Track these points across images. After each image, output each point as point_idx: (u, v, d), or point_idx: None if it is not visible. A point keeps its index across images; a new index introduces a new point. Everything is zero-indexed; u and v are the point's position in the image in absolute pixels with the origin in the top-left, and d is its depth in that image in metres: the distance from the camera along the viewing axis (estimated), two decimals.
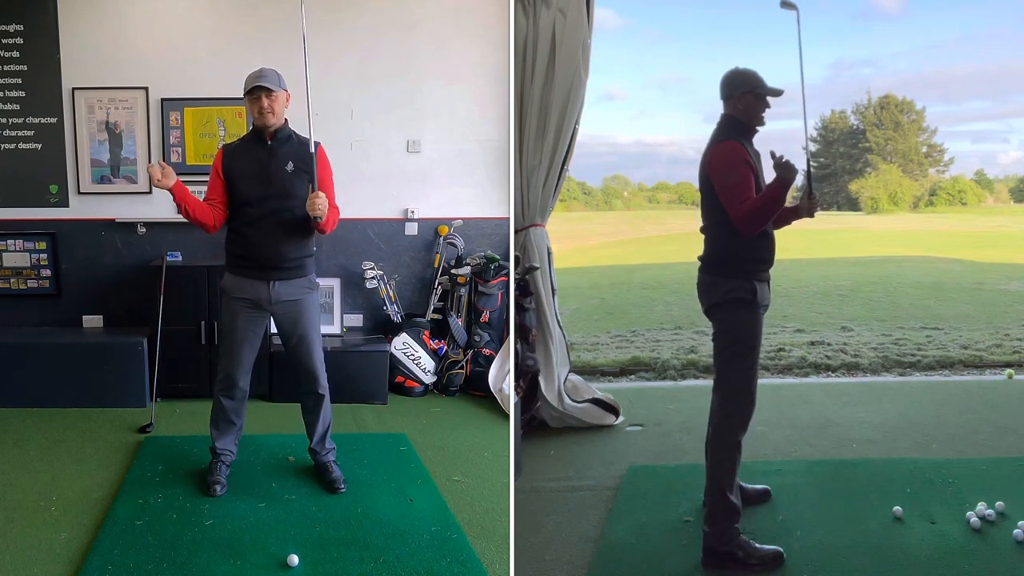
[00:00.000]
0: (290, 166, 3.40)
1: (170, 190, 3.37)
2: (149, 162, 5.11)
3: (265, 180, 3.40)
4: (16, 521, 3.26)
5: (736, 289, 2.93)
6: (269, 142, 3.42)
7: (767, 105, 2.96)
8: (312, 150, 3.34)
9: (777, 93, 2.94)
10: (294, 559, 2.93)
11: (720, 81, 2.98)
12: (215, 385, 3.62)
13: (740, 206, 2.83)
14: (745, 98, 2.93)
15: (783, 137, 3.13)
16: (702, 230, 3.11)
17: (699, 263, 3.09)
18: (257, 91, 3.33)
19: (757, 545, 2.95)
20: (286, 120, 3.47)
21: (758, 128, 2.99)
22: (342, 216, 5.20)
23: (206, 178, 5.02)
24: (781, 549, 2.95)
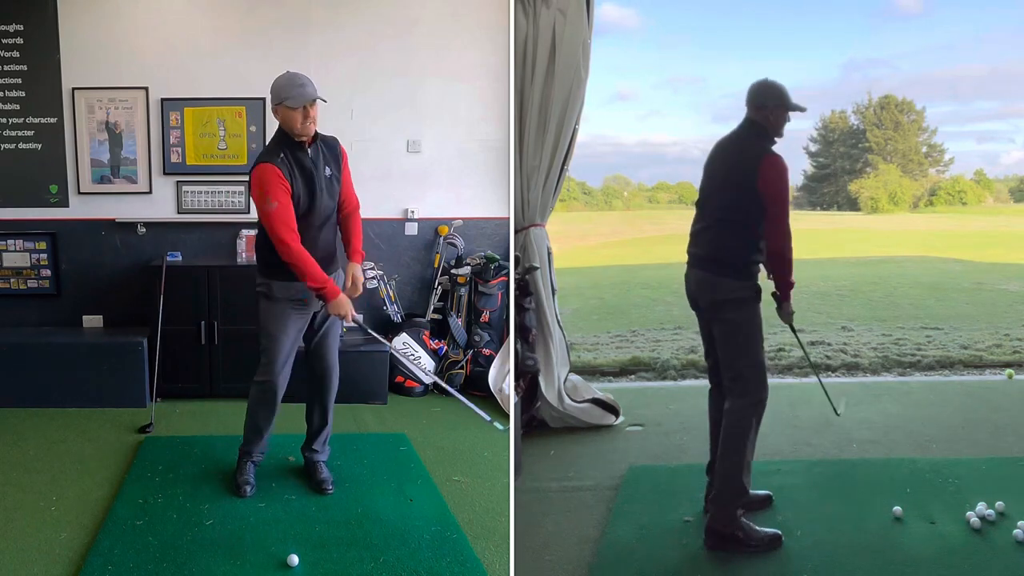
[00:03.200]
0: (327, 171, 3.41)
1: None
2: (150, 163, 5.12)
3: (317, 190, 3.37)
4: (16, 521, 3.26)
5: (746, 288, 3.06)
6: (308, 149, 3.37)
7: (787, 119, 3.12)
8: (338, 150, 3.48)
9: (801, 109, 3.11)
10: (294, 559, 2.93)
11: (751, 89, 3.12)
12: (253, 387, 3.53)
13: (784, 228, 3.04)
14: (777, 111, 3.08)
15: (786, 137, 3.15)
16: (705, 228, 3.17)
17: (696, 260, 3.19)
18: (311, 103, 3.28)
19: (757, 527, 3.03)
20: None
21: (776, 139, 3.13)
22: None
23: (206, 177, 5.14)
24: (780, 532, 3.04)
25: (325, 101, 3.34)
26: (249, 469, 3.59)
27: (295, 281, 3.34)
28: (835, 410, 3.51)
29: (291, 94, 3.26)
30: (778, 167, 3.02)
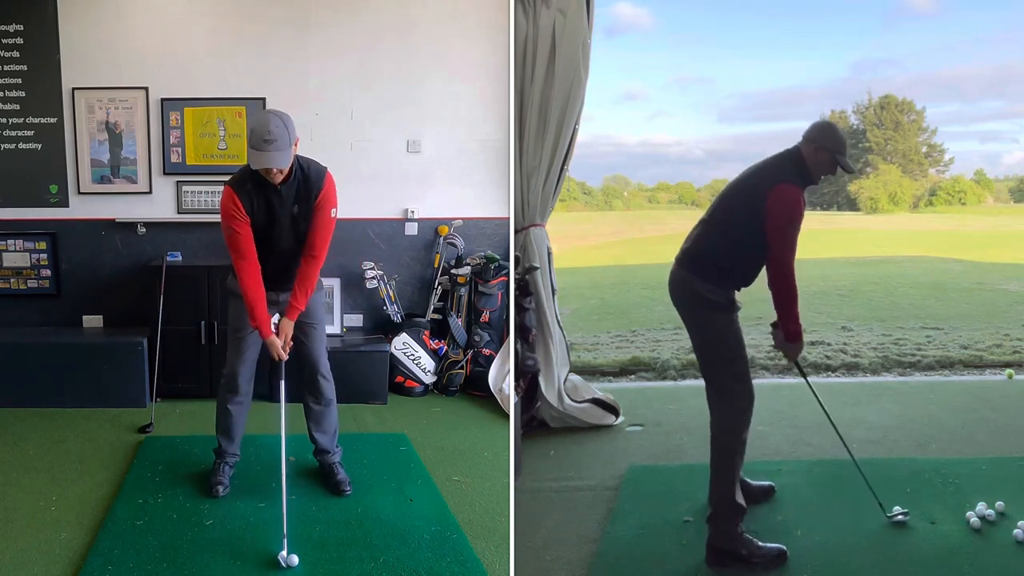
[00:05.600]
0: (295, 209, 3.31)
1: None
2: (150, 163, 5.12)
3: (273, 222, 3.33)
4: (16, 521, 3.26)
5: (718, 292, 2.99)
6: (281, 187, 3.27)
7: (834, 172, 3.04)
8: (315, 188, 3.27)
9: (850, 171, 3.04)
10: (294, 559, 2.93)
11: (815, 124, 3.03)
12: (220, 386, 3.62)
13: (782, 263, 2.90)
14: (825, 154, 2.99)
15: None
16: (699, 223, 3.13)
17: (680, 256, 3.12)
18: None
19: (760, 543, 2.96)
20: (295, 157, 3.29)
21: (811, 181, 3.03)
22: (343, 216, 5.20)
23: (206, 178, 5.14)
24: (784, 547, 2.97)
25: (282, 171, 3.17)
26: (223, 471, 3.58)
27: (268, 273, 3.40)
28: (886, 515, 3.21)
29: (252, 147, 3.11)
30: (786, 200, 2.89)
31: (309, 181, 3.30)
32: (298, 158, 3.31)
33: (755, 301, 3.21)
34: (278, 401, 4.74)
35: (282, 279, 3.45)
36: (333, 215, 3.36)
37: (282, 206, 3.30)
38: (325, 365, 3.61)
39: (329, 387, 3.62)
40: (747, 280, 3.06)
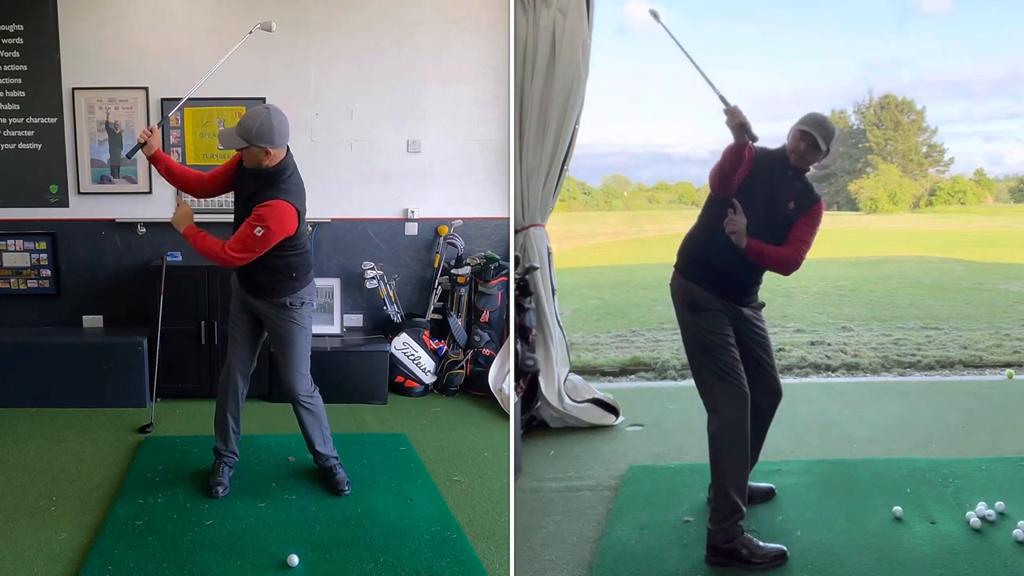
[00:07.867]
0: (248, 200, 3.33)
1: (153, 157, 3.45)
2: (150, 164, 5.11)
3: (236, 197, 3.44)
4: (16, 521, 3.26)
5: (695, 291, 3.01)
6: (249, 176, 3.34)
7: (815, 160, 3.00)
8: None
9: (824, 150, 2.96)
10: (294, 559, 2.94)
11: (805, 115, 3.00)
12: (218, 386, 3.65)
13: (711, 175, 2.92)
14: (802, 134, 2.96)
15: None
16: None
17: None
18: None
19: (760, 543, 2.96)
20: (282, 161, 3.30)
21: (802, 170, 3.00)
22: (342, 216, 5.26)
23: None
24: (784, 548, 2.97)
25: (246, 144, 3.22)
26: (223, 471, 3.59)
27: (239, 275, 3.49)
28: None
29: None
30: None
31: (265, 187, 3.28)
32: (283, 169, 3.30)
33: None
34: (277, 401, 4.76)
35: (244, 276, 3.47)
36: (257, 232, 3.23)
37: (244, 189, 3.40)
38: (304, 388, 3.54)
39: (313, 403, 3.57)
40: (728, 281, 3.02)
